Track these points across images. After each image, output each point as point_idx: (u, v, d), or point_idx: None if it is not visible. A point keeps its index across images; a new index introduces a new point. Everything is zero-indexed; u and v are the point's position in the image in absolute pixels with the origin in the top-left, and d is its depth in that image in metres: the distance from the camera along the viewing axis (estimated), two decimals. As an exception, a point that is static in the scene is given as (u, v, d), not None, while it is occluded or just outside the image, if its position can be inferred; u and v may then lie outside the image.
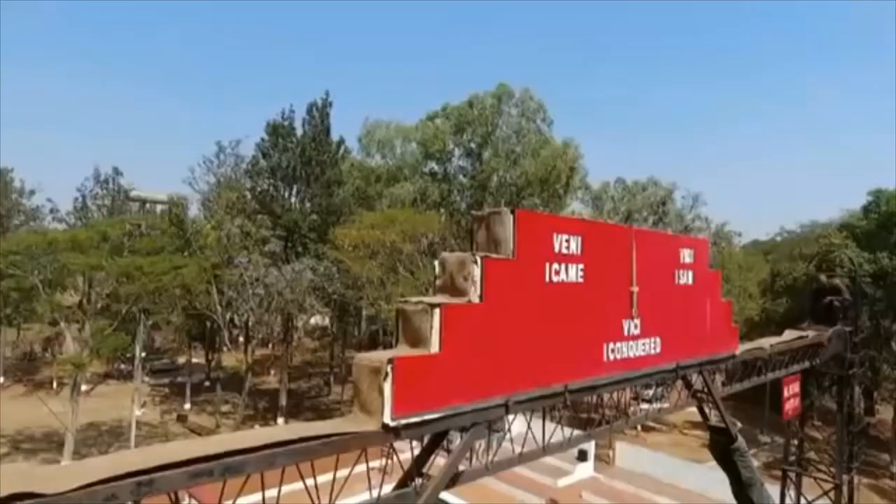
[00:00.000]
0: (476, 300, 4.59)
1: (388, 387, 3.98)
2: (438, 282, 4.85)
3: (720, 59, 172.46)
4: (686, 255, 7.14)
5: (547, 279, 5.20)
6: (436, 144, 41.56)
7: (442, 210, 40.15)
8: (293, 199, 35.81)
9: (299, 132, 35.97)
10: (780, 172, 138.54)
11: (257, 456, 3.37)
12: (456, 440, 4.89)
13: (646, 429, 37.52)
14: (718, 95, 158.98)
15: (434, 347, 4.29)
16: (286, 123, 35.56)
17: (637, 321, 6.27)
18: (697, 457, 32.31)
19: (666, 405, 7.50)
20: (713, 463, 10.06)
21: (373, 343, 57.94)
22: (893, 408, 34.62)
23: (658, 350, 6.61)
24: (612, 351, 5.99)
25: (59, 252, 28.72)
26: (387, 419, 3.99)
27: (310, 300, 34.69)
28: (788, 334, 10.78)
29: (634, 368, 6.31)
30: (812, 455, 12.57)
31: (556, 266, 5.27)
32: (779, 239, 57.42)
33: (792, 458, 12.88)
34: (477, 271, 4.59)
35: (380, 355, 4.18)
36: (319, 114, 35.98)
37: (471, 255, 4.65)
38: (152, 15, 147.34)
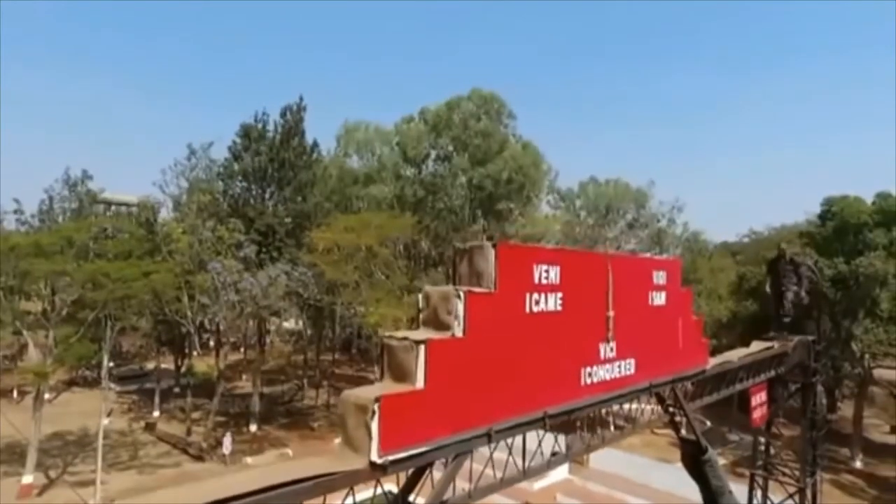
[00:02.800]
0: (459, 334, 4.70)
1: (375, 425, 4.06)
2: (422, 315, 4.94)
3: (697, 57, 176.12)
4: (659, 277, 7.38)
5: (527, 309, 5.34)
6: (416, 148, 41.63)
7: (417, 213, 40.26)
8: (269, 203, 35.40)
9: (272, 135, 35.59)
10: (750, 173, 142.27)
11: (248, 502, 3.40)
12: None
13: (619, 428, 38.15)
14: (692, 93, 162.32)
15: (419, 383, 4.38)
16: (259, 126, 35.14)
17: (612, 344, 6.47)
18: (667, 457, 33.06)
19: (640, 419, 7.72)
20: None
21: (347, 347, 57.71)
22: (854, 405, 35.95)
23: (632, 371, 6.83)
24: (589, 375, 6.17)
25: (22, 258, 27.87)
26: (374, 457, 4.06)
27: (284, 305, 34.38)
28: (756, 346, 11.17)
29: (610, 390, 6.50)
30: (779, 459, 13.04)
31: (535, 296, 5.41)
32: (746, 241, 58.97)
33: (759, 462, 13.34)
34: (460, 306, 4.70)
35: (367, 393, 4.25)
36: (293, 116, 35.66)
37: (454, 290, 4.74)
38: (126, 15, 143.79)
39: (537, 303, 5.42)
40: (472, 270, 5.06)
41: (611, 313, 6.35)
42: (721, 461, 32.68)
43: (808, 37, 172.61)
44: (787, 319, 12.47)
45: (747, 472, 28.90)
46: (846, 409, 41.01)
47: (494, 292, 4.98)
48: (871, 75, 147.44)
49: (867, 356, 34.41)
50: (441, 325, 4.77)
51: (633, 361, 6.80)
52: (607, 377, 6.41)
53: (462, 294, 4.71)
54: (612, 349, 6.46)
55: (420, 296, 5.00)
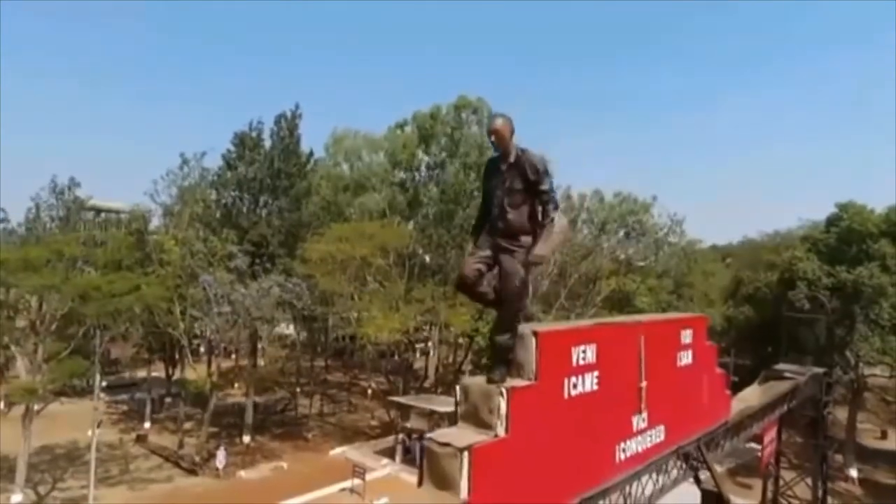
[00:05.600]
0: (502, 433, 4.47)
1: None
2: (460, 409, 4.71)
3: (680, 56, 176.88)
4: (686, 336, 7.20)
5: (565, 395, 5.12)
6: (404, 154, 41.24)
7: (410, 221, 39.87)
8: (262, 212, 34.91)
9: (268, 143, 35.10)
10: (742, 176, 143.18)
11: None
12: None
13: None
14: (674, 92, 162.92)
15: (463, 493, 4.15)
16: (254, 135, 34.63)
17: (645, 414, 6.27)
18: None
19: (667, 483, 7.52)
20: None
21: (340, 354, 57.30)
22: (848, 412, 36.21)
23: (662, 438, 6.65)
24: (623, 450, 5.98)
25: (10, 272, 27.24)
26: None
27: (277, 316, 33.97)
28: (758, 385, 11.08)
29: (642, 462, 6.31)
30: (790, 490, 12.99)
31: (573, 380, 5.20)
32: (737, 244, 59.12)
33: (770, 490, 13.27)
34: (503, 404, 4.47)
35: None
36: (288, 125, 35.17)
37: (496, 388, 4.51)
38: (106, 18, 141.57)
39: (575, 386, 5.21)
40: (513, 361, 4.83)
41: (643, 384, 6.15)
42: (718, 469, 32.95)
43: (796, 40, 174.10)
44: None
45: (748, 481, 29.09)
46: (838, 414, 41.41)
47: (535, 384, 4.75)
48: (872, 77, 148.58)
49: (861, 363, 34.66)
50: (481, 423, 4.54)
51: (662, 428, 6.62)
52: (639, 449, 6.23)
53: (505, 391, 4.48)
54: (644, 419, 6.27)
55: (458, 388, 4.77)
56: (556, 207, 4.70)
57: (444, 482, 4.23)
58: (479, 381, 4.76)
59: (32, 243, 32.47)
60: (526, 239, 4.67)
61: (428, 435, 4.45)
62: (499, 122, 4.73)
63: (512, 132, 4.72)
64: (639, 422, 6.20)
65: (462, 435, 4.43)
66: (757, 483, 23.78)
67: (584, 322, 6.00)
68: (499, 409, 4.47)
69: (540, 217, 4.70)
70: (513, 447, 4.52)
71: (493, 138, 4.78)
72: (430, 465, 4.32)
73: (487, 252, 4.73)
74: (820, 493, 12.52)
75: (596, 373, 5.44)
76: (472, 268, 4.70)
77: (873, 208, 32.94)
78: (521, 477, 4.63)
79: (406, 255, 36.09)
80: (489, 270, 4.74)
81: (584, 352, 5.30)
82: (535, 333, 4.80)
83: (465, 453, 4.17)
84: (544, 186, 4.63)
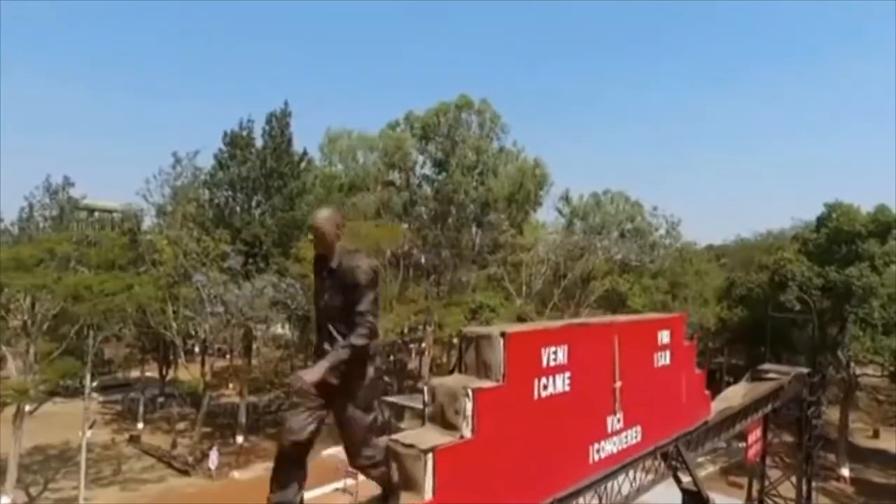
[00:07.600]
0: (468, 435, 4.48)
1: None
2: (428, 410, 4.72)
3: (677, 56, 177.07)
4: (664, 336, 7.22)
5: (535, 396, 5.13)
6: (398, 153, 41.25)
7: (405, 221, 39.89)
8: (255, 212, 34.85)
9: (259, 143, 35.02)
10: (736, 176, 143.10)
11: None
12: None
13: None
14: (670, 92, 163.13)
15: (428, 494, 4.15)
16: (245, 134, 34.54)
17: (620, 415, 6.29)
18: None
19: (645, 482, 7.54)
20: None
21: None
22: (840, 412, 36.32)
23: (639, 438, 6.66)
24: (598, 451, 5.99)
25: (2, 272, 27.17)
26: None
27: (271, 316, 33.93)
28: (743, 385, 11.10)
29: (618, 462, 6.33)
30: (774, 490, 13.03)
31: (544, 381, 5.21)
32: (731, 244, 59.26)
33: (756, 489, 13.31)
34: (468, 405, 4.47)
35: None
36: (279, 123, 35.08)
37: (461, 388, 4.52)
38: (94, 14, 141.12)
39: (545, 387, 5.22)
40: (480, 361, 4.85)
41: (618, 384, 6.17)
42: (710, 468, 32.90)
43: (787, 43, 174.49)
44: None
45: (740, 480, 29.15)
46: (831, 414, 41.55)
47: (503, 385, 4.76)
48: (868, 75, 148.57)
49: (852, 363, 34.77)
50: (448, 424, 4.55)
51: (639, 429, 6.64)
52: (615, 450, 6.24)
53: (470, 392, 4.49)
54: (619, 420, 6.29)
55: (425, 388, 4.77)
56: (364, 333, 3.50)
57: (408, 483, 4.24)
58: (447, 380, 4.77)
59: (25, 242, 32.36)
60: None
61: (392, 436, 4.45)
62: (320, 219, 3.74)
63: (338, 228, 3.73)
64: (613, 423, 6.22)
65: (427, 436, 4.44)
66: (748, 482, 23.88)
67: (555, 322, 6.00)
68: (465, 410, 4.48)
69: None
70: (479, 448, 4.53)
71: (312, 235, 3.84)
72: (396, 467, 4.32)
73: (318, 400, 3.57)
74: (804, 491, 12.55)
75: (567, 374, 5.46)
76: (305, 430, 3.56)
77: (860, 207, 33.01)
78: (489, 478, 4.64)
79: (400, 255, 36.10)
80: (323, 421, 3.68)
81: (555, 353, 5.31)
82: (504, 334, 4.80)
83: (429, 455, 4.18)
84: (361, 307, 3.52)
